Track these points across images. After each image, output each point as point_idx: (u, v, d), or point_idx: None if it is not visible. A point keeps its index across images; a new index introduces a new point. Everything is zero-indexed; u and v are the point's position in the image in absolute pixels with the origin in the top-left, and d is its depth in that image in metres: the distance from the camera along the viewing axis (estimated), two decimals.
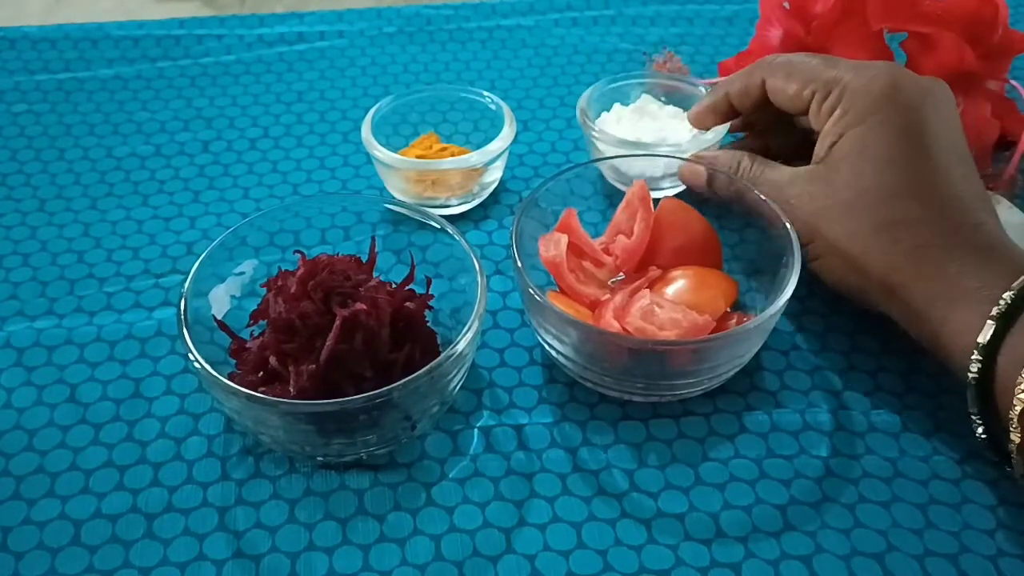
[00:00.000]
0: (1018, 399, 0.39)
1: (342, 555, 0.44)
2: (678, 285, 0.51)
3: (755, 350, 0.48)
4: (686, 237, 0.53)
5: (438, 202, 0.61)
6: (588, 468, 0.47)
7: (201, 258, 0.48)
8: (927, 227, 0.45)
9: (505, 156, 0.61)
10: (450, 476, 0.47)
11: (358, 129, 0.69)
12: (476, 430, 0.49)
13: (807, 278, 0.56)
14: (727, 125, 0.60)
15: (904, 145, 0.46)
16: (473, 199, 0.62)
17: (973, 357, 0.41)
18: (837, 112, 0.48)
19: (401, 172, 0.60)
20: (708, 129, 0.57)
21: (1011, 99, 0.64)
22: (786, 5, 0.64)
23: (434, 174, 0.60)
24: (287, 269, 0.48)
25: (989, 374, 0.41)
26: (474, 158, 0.59)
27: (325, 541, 0.45)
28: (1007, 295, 0.41)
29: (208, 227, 0.62)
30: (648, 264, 0.52)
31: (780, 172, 0.51)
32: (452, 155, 0.62)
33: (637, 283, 0.51)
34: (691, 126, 0.58)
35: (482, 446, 0.48)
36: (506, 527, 0.45)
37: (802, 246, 0.48)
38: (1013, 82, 0.63)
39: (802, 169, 0.50)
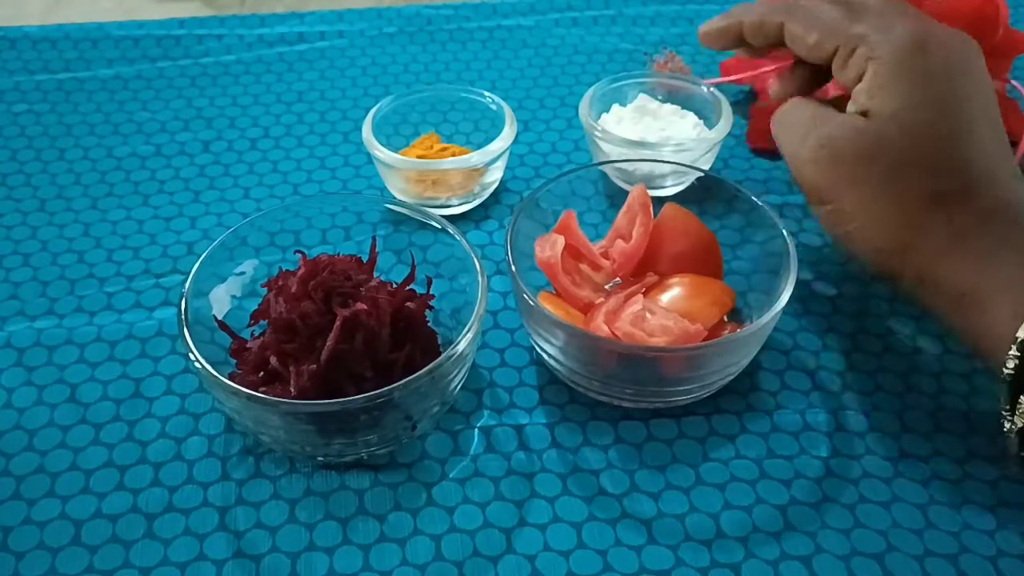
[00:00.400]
0: None
1: (342, 555, 0.44)
2: (673, 292, 0.50)
3: (746, 360, 0.48)
4: (686, 244, 0.53)
5: (439, 202, 0.61)
6: (588, 468, 0.47)
7: (202, 258, 0.48)
8: (971, 203, 0.43)
9: (506, 156, 0.61)
10: (450, 476, 0.47)
11: (358, 129, 0.69)
12: (476, 430, 0.49)
13: (808, 278, 0.56)
14: (730, 126, 0.60)
15: (938, 117, 0.44)
16: (474, 199, 0.62)
17: (1011, 352, 0.39)
18: (866, 79, 0.45)
19: (402, 172, 0.60)
20: (714, 48, 0.56)
21: (1012, 99, 0.64)
22: None
23: (435, 174, 0.60)
24: (288, 269, 0.48)
25: None
26: (474, 158, 0.59)
27: (325, 541, 0.45)
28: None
29: (209, 227, 0.62)
30: (647, 270, 0.52)
31: (826, 107, 0.48)
32: (453, 155, 0.62)
33: (632, 288, 0.51)
34: (700, 42, 0.56)
35: (482, 446, 0.48)
36: (506, 527, 0.45)
37: (821, 203, 0.47)
38: (1014, 82, 0.63)
39: (847, 119, 0.46)
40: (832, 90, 0.55)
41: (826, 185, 0.46)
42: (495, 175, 0.62)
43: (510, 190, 0.64)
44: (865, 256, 0.47)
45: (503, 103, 0.63)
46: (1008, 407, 0.41)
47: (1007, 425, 0.41)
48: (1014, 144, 0.61)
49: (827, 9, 0.48)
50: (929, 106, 0.44)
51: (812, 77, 0.52)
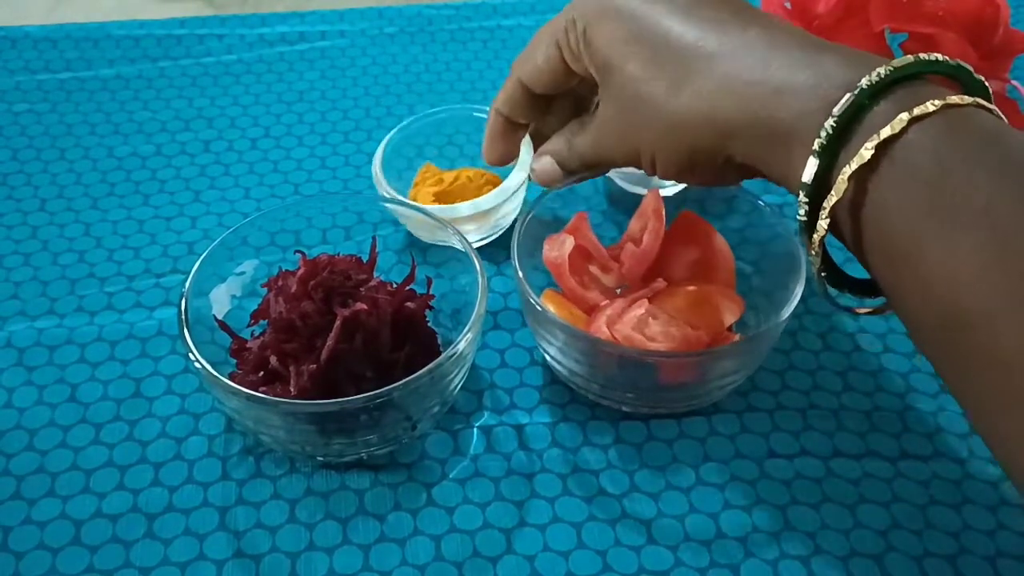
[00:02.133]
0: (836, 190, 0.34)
1: (342, 555, 0.44)
2: (680, 299, 0.50)
3: (748, 371, 0.48)
4: (699, 252, 0.52)
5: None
6: (588, 468, 0.47)
7: (202, 258, 0.48)
8: (722, 64, 0.38)
9: (523, 189, 0.58)
10: (450, 476, 0.47)
11: (359, 129, 0.70)
12: (476, 430, 0.49)
13: (808, 278, 0.56)
14: None
15: (636, 21, 0.40)
16: (494, 232, 0.59)
17: (800, 199, 0.35)
18: (582, 43, 0.42)
19: (421, 220, 0.55)
20: (511, 158, 0.52)
21: (1012, 99, 0.64)
22: (787, 5, 0.64)
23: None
24: (288, 269, 0.48)
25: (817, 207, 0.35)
26: (493, 198, 0.55)
27: (325, 541, 0.45)
28: (828, 123, 0.34)
29: (209, 227, 0.62)
30: (658, 275, 0.52)
31: (592, 120, 0.45)
32: (469, 180, 0.59)
33: (638, 293, 0.51)
34: (490, 163, 0.52)
35: (482, 446, 0.49)
36: (506, 527, 0.45)
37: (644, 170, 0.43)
38: (1014, 82, 0.63)
39: (601, 107, 0.44)
40: None
41: (632, 160, 0.43)
42: (514, 204, 0.58)
43: None
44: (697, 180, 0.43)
45: None
46: (811, 253, 0.37)
47: (812, 266, 0.38)
48: None
49: (536, 35, 0.46)
50: (627, 15, 0.41)
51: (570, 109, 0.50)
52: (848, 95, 0.33)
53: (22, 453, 0.48)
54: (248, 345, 0.47)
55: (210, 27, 0.80)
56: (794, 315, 0.51)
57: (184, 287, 0.47)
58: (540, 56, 0.45)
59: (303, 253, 0.48)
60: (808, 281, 0.53)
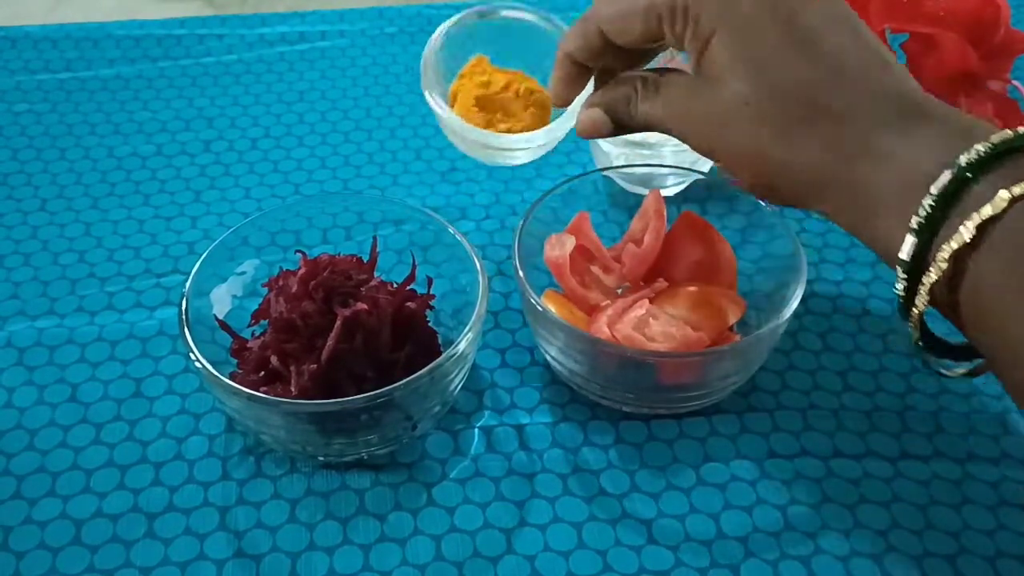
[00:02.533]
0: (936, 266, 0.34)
1: (343, 555, 0.44)
2: (681, 300, 0.50)
3: (748, 371, 0.48)
4: (701, 253, 0.53)
5: (507, 161, 0.54)
6: (589, 468, 0.47)
7: (202, 258, 0.48)
8: (829, 119, 0.38)
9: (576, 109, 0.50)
10: (451, 476, 0.47)
11: (360, 129, 0.70)
12: (477, 430, 0.49)
13: (809, 277, 0.56)
14: None
15: (761, 37, 0.39)
16: (542, 152, 0.53)
17: (899, 273, 0.35)
18: (689, 29, 0.40)
19: (464, 136, 0.52)
20: (571, 101, 0.48)
21: (1013, 99, 0.64)
22: None
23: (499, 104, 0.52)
24: (288, 269, 0.48)
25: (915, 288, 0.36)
26: (545, 135, 0.51)
27: (326, 541, 0.45)
28: (927, 202, 0.34)
29: (209, 227, 0.62)
30: (659, 276, 0.52)
31: (668, 90, 0.43)
32: (517, 95, 0.53)
33: (639, 293, 0.51)
34: (556, 106, 0.49)
35: (483, 446, 0.49)
36: (507, 527, 0.45)
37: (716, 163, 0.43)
38: (1015, 82, 0.63)
39: (687, 83, 0.42)
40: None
41: (696, 147, 0.42)
42: (567, 124, 0.51)
43: (511, 190, 0.64)
44: (770, 200, 0.43)
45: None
46: (910, 326, 0.37)
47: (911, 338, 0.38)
48: None
49: None
50: (756, 29, 0.39)
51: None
52: (947, 172, 0.33)
53: (22, 453, 0.48)
54: (249, 345, 0.47)
55: (210, 27, 0.80)
56: (794, 315, 0.51)
57: (185, 287, 0.47)
58: (636, 20, 0.41)
59: (304, 253, 0.48)
60: (809, 282, 0.53)
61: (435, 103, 0.52)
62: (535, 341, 0.51)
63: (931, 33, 0.58)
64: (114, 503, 0.46)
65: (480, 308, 0.46)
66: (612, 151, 0.60)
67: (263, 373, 0.46)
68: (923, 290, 0.34)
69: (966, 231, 0.32)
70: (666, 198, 0.53)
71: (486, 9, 0.56)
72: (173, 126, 0.70)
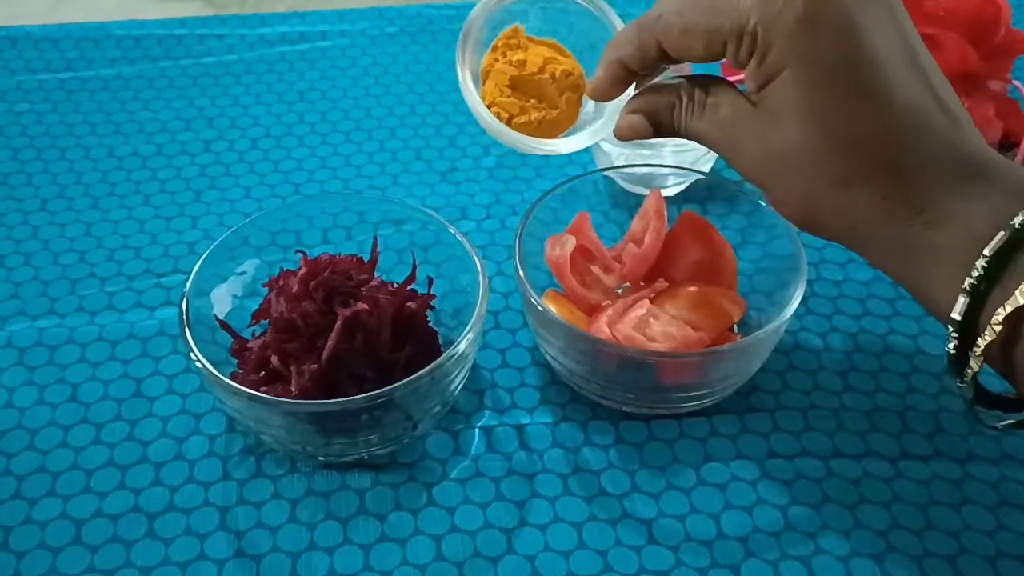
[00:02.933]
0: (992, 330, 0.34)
1: (343, 555, 0.44)
2: (682, 300, 0.50)
3: (750, 371, 0.48)
4: (702, 253, 0.53)
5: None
6: (589, 468, 0.47)
7: (203, 258, 0.48)
8: (894, 177, 0.37)
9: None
10: (451, 476, 0.47)
11: (360, 129, 0.70)
12: (477, 430, 0.49)
13: (810, 277, 0.56)
14: None
15: (835, 84, 0.37)
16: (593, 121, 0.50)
17: (950, 332, 0.36)
18: (755, 58, 0.38)
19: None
20: (611, 100, 0.46)
21: (1013, 99, 0.64)
22: None
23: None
24: (289, 269, 0.49)
25: (970, 340, 0.36)
26: (588, 139, 0.48)
27: (326, 541, 0.45)
28: (980, 263, 0.34)
29: (210, 227, 0.62)
30: (660, 276, 0.52)
31: (717, 110, 0.41)
32: (553, 79, 0.49)
33: (639, 293, 0.51)
34: (593, 100, 0.47)
35: (483, 446, 0.49)
36: (507, 527, 0.45)
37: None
38: (1015, 82, 0.63)
39: (741, 109, 0.41)
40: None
41: (742, 171, 0.41)
42: (608, 127, 0.48)
43: (511, 190, 0.64)
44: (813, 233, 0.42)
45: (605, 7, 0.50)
46: (961, 386, 0.38)
47: (963, 396, 0.38)
48: (1016, 144, 0.61)
49: (693, 3, 0.40)
50: (826, 71, 0.37)
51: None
52: (1001, 234, 0.33)
53: (23, 453, 0.48)
54: (249, 345, 0.47)
55: (210, 27, 0.80)
56: (794, 315, 0.51)
57: (185, 287, 0.47)
58: (698, 41, 0.40)
59: (304, 253, 0.48)
60: (809, 282, 0.53)
61: (470, 94, 0.48)
62: (535, 341, 0.52)
63: (931, 33, 0.58)
64: (114, 503, 0.46)
65: (480, 308, 0.46)
66: (612, 151, 0.60)
67: (263, 373, 0.46)
68: (977, 351, 0.35)
69: (1021, 295, 0.33)
70: (666, 198, 0.53)
71: None
72: (173, 126, 0.70)
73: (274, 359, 0.45)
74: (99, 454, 0.48)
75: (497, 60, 0.50)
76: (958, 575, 0.43)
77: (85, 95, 0.73)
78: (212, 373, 0.43)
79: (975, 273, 0.34)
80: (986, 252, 0.33)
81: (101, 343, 0.54)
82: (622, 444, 0.48)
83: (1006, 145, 0.62)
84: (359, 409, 0.42)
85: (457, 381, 0.47)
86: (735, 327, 0.51)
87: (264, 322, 0.48)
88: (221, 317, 0.49)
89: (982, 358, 0.35)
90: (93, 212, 0.63)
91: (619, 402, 0.49)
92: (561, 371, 0.50)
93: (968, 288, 0.34)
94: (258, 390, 0.43)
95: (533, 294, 0.46)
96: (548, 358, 0.50)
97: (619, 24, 0.48)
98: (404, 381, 0.42)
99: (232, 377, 0.45)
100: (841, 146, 0.37)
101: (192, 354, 0.44)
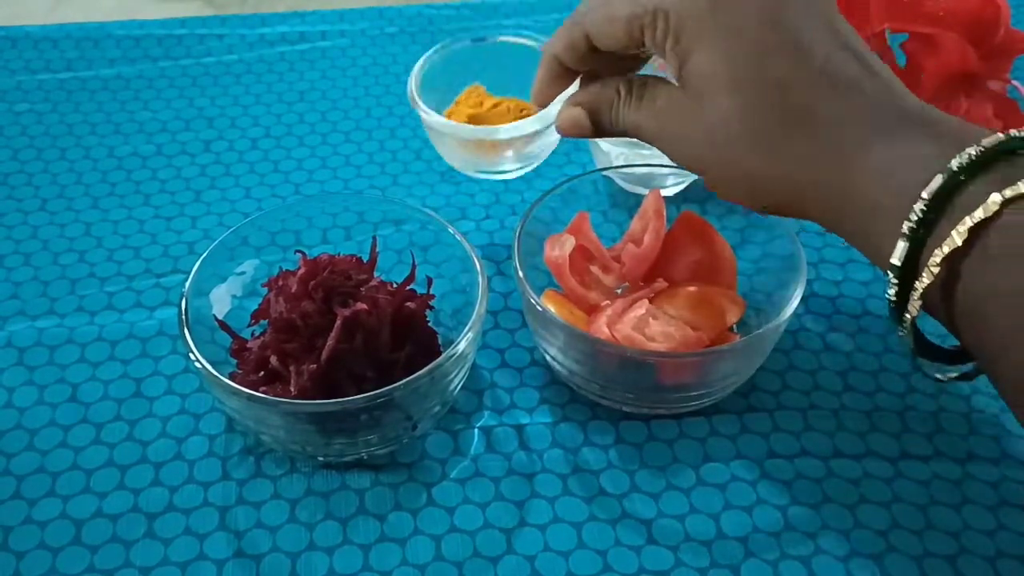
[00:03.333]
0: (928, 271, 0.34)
1: (343, 555, 0.44)
2: (681, 300, 0.50)
3: (750, 371, 0.48)
4: (701, 253, 0.52)
5: (497, 167, 0.56)
6: (589, 468, 0.47)
7: (202, 258, 0.48)
8: (824, 126, 0.37)
9: None
10: (451, 476, 0.47)
11: (360, 129, 0.70)
12: (477, 430, 0.49)
13: (810, 277, 0.56)
14: None
15: (748, 50, 0.38)
16: (532, 161, 0.57)
17: (890, 278, 0.35)
18: (670, 40, 0.39)
19: (455, 139, 0.55)
20: (551, 101, 0.48)
21: (1013, 99, 0.64)
22: None
23: (492, 140, 0.55)
24: (288, 269, 0.49)
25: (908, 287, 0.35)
26: (534, 122, 0.53)
27: (326, 541, 0.45)
28: (918, 207, 0.33)
29: (209, 227, 0.62)
30: (659, 276, 0.52)
31: (653, 100, 0.42)
32: (508, 111, 0.57)
33: (639, 293, 0.51)
34: (537, 107, 0.49)
35: (483, 446, 0.49)
36: (506, 527, 0.45)
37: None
38: (1015, 82, 0.63)
39: (674, 97, 0.41)
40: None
41: (682, 160, 0.42)
42: (554, 136, 0.56)
43: (511, 190, 0.64)
44: (761, 212, 0.43)
45: None
46: (901, 332, 0.37)
47: (901, 333, 0.38)
48: None
49: None
50: (736, 44, 0.38)
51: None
52: (939, 177, 0.33)
53: (22, 453, 0.48)
54: (248, 345, 0.47)
55: (210, 27, 0.80)
56: (794, 315, 0.51)
57: (184, 287, 0.47)
58: (619, 26, 0.41)
59: (303, 253, 0.48)
60: (809, 282, 0.53)
61: (423, 110, 0.54)
62: (535, 341, 0.52)
63: (931, 33, 0.58)
64: (114, 503, 0.46)
65: (480, 308, 0.46)
66: (612, 151, 0.60)
67: (263, 373, 0.46)
68: (915, 295, 0.34)
69: (958, 235, 0.32)
70: (666, 198, 0.53)
71: (481, 37, 0.59)
72: (173, 126, 0.70)
73: (273, 359, 0.45)
74: (99, 454, 0.48)
75: (458, 108, 0.58)
76: (958, 575, 0.43)
77: (85, 95, 0.73)
78: (211, 373, 0.43)
79: (913, 217, 0.33)
80: (924, 195, 0.33)
81: (101, 343, 0.54)
82: (622, 444, 0.48)
83: None
84: (359, 409, 0.42)
85: (457, 381, 0.47)
86: (735, 327, 0.51)
87: (263, 322, 0.48)
88: (220, 317, 0.49)
89: (920, 301, 0.34)
90: (93, 212, 0.63)
91: (619, 402, 0.49)
92: (560, 371, 0.50)
93: (907, 232, 0.34)
94: (257, 390, 0.43)
95: (532, 294, 0.46)
96: (547, 358, 0.50)
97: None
98: (404, 381, 0.42)
99: (231, 377, 0.45)
100: (765, 105, 0.38)
101: (191, 354, 0.44)
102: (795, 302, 0.46)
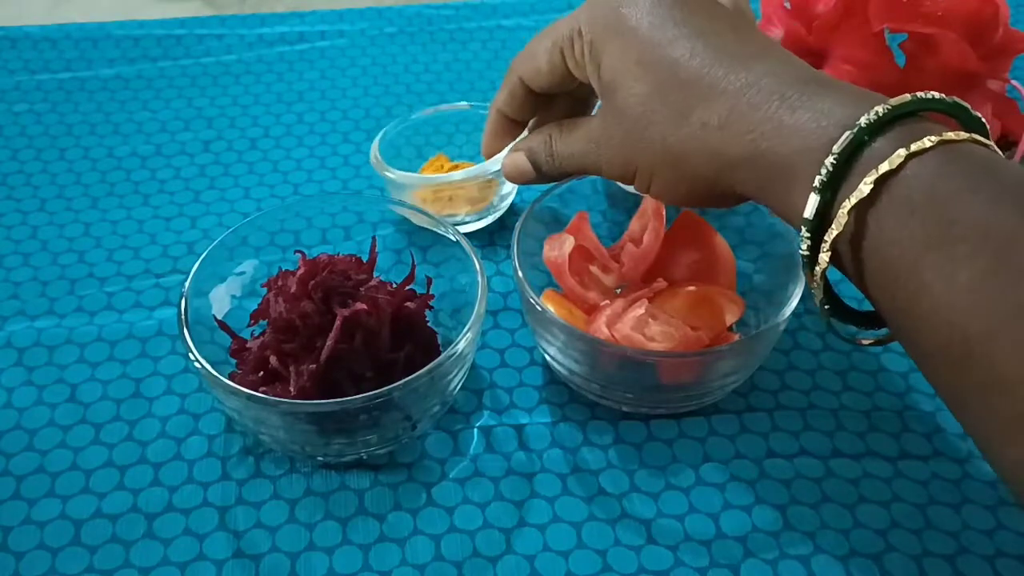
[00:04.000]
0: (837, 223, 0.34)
1: (342, 555, 0.44)
2: (680, 300, 0.50)
3: (749, 371, 0.48)
4: (700, 253, 0.52)
5: (456, 219, 0.60)
6: (588, 468, 0.47)
7: (202, 258, 0.48)
8: (727, 96, 0.38)
9: None
10: (450, 476, 0.47)
11: (359, 129, 0.70)
12: (476, 430, 0.49)
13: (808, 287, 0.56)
14: None
15: (653, 39, 0.40)
16: (493, 212, 0.61)
17: (802, 233, 0.36)
18: (587, 54, 0.42)
19: (416, 191, 0.59)
20: (498, 152, 0.51)
21: (1012, 99, 0.64)
22: (787, 5, 0.64)
23: (450, 189, 0.58)
24: (287, 269, 0.48)
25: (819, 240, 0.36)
26: (488, 166, 0.57)
27: (325, 541, 0.45)
28: (828, 161, 0.34)
29: (209, 227, 0.62)
30: (658, 275, 0.52)
31: (579, 128, 0.45)
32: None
33: (638, 293, 0.51)
34: (485, 156, 0.52)
35: (482, 446, 0.49)
36: (506, 527, 0.45)
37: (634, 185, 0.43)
38: (1014, 82, 0.63)
39: (600, 114, 0.44)
40: None
41: (622, 175, 0.44)
42: (510, 187, 0.60)
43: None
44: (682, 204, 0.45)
45: None
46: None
47: (814, 299, 0.38)
48: (1014, 144, 0.61)
49: (539, 35, 0.46)
50: (639, 39, 0.41)
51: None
52: (848, 133, 0.34)
53: (22, 453, 0.48)
54: (248, 345, 0.47)
55: (210, 27, 0.80)
56: (794, 315, 0.51)
57: (184, 287, 0.47)
58: (543, 58, 0.45)
59: (303, 253, 0.48)
60: (807, 287, 0.53)
61: (384, 168, 0.58)
62: (535, 341, 0.52)
63: (930, 33, 0.58)
64: (114, 503, 0.46)
65: (479, 308, 0.46)
66: None
67: (262, 373, 0.46)
68: (825, 246, 0.35)
69: (865, 187, 0.33)
70: None
71: (443, 107, 0.64)
72: (172, 126, 0.70)
73: (273, 359, 0.45)
74: (98, 454, 0.48)
75: (423, 171, 0.61)
76: (958, 575, 0.43)
77: (84, 95, 0.73)
78: (211, 373, 0.43)
79: (823, 172, 0.34)
80: (834, 150, 0.34)
81: (100, 343, 0.54)
82: (621, 444, 0.48)
83: (1004, 145, 0.62)
84: (358, 409, 0.42)
85: (456, 381, 0.47)
86: (734, 327, 0.51)
87: (263, 322, 0.48)
88: (220, 317, 0.49)
89: (829, 253, 0.35)
90: (92, 212, 0.63)
91: (618, 402, 0.49)
92: (560, 371, 0.50)
93: (818, 186, 0.34)
94: (257, 390, 0.43)
95: (532, 294, 0.46)
96: (547, 358, 0.50)
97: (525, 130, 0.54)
98: (403, 381, 0.42)
99: (231, 377, 0.45)
100: (672, 83, 0.40)
101: (191, 354, 0.44)
102: (794, 302, 0.46)
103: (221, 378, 0.43)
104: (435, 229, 0.51)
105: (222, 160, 0.67)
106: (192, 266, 0.48)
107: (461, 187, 0.58)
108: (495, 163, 0.56)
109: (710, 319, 0.49)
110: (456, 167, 0.61)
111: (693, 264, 0.53)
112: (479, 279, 0.47)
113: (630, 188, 0.58)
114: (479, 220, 0.60)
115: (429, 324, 0.50)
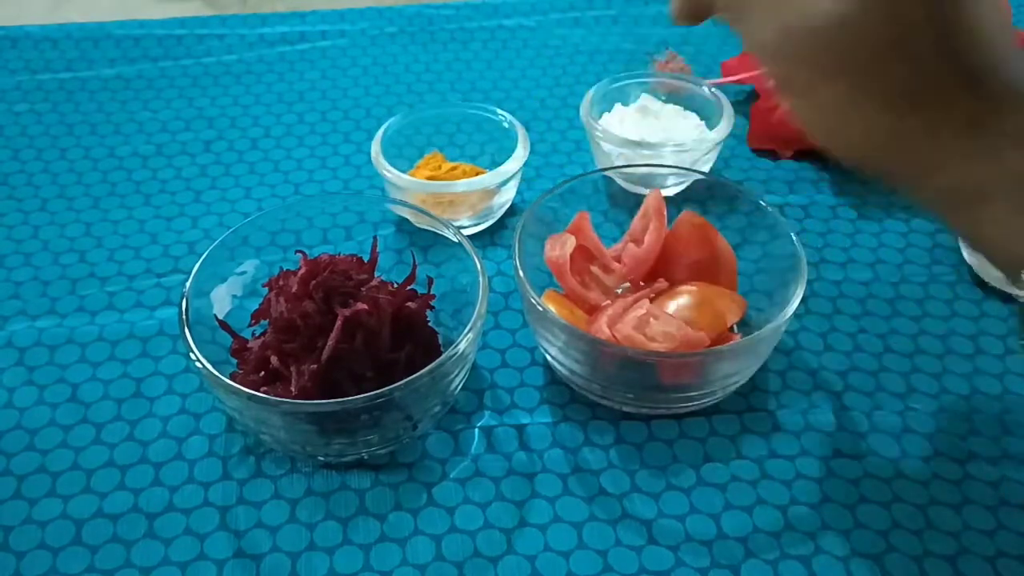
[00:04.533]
0: None
1: (343, 555, 0.44)
2: (682, 300, 0.50)
3: (750, 371, 0.48)
4: (701, 254, 0.52)
5: (456, 222, 0.59)
6: (589, 468, 0.47)
7: (203, 257, 0.48)
8: (970, 95, 0.34)
9: (519, 176, 0.60)
10: (451, 476, 0.47)
11: (360, 129, 0.70)
12: (477, 430, 0.49)
13: (810, 277, 0.56)
14: (730, 127, 0.60)
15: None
16: (488, 218, 0.61)
17: None
18: None
19: (417, 195, 0.59)
20: (702, 14, 0.40)
21: None
22: None
23: (450, 195, 0.59)
24: (289, 269, 0.48)
25: None
26: (488, 179, 0.57)
27: (326, 541, 0.45)
28: None
29: (210, 227, 0.62)
30: (660, 276, 0.52)
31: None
32: (464, 174, 0.60)
33: (639, 293, 0.51)
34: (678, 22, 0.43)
35: (483, 446, 0.49)
36: (507, 527, 0.45)
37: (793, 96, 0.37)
38: None
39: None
40: None
41: (796, 76, 0.37)
42: (508, 194, 0.61)
43: None
44: (847, 156, 0.38)
45: (515, 121, 0.61)
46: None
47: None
48: None
49: None
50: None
51: None
52: None
53: (23, 453, 0.48)
54: (249, 345, 0.47)
55: (210, 27, 0.80)
56: (794, 315, 0.51)
57: (185, 287, 0.47)
58: None
59: (304, 253, 0.48)
60: (809, 282, 0.53)
61: (386, 168, 0.58)
62: (535, 341, 0.52)
63: None
64: (114, 503, 0.46)
65: (480, 308, 0.46)
66: (612, 151, 0.61)
67: (263, 373, 0.46)
68: None
69: None
70: (666, 198, 0.53)
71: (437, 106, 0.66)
72: (174, 126, 0.70)
73: (274, 359, 0.45)
74: (99, 454, 0.48)
75: (417, 172, 0.61)
76: (958, 575, 0.43)
77: (85, 95, 0.73)
78: (212, 373, 0.43)
79: None
80: None
81: (101, 343, 0.54)
82: (622, 444, 0.48)
83: None
84: (359, 409, 0.42)
85: (457, 381, 0.47)
86: (735, 327, 0.51)
87: (264, 322, 0.48)
88: (221, 317, 0.49)
89: None
90: (93, 212, 0.63)
91: (619, 402, 0.49)
92: (561, 371, 0.50)
93: None
94: (258, 390, 0.43)
95: (533, 294, 0.46)
96: (548, 358, 0.50)
97: (524, 137, 0.59)
98: (404, 381, 0.42)
99: (232, 377, 0.45)
100: (932, 51, 0.33)
101: (192, 354, 0.44)
102: (795, 302, 0.46)
103: (222, 378, 0.43)
104: (436, 229, 0.51)
105: (223, 160, 0.67)
106: (193, 266, 0.48)
107: (461, 194, 0.59)
108: (494, 176, 0.57)
109: (711, 319, 0.49)
110: (453, 167, 0.62)
111: (694, 264, 0.53)
112: (480, 279, 0.47)
113: (633, 188, 0.58)
114: (477, 225, 0.61)
115: (430, 324, 0.50)
